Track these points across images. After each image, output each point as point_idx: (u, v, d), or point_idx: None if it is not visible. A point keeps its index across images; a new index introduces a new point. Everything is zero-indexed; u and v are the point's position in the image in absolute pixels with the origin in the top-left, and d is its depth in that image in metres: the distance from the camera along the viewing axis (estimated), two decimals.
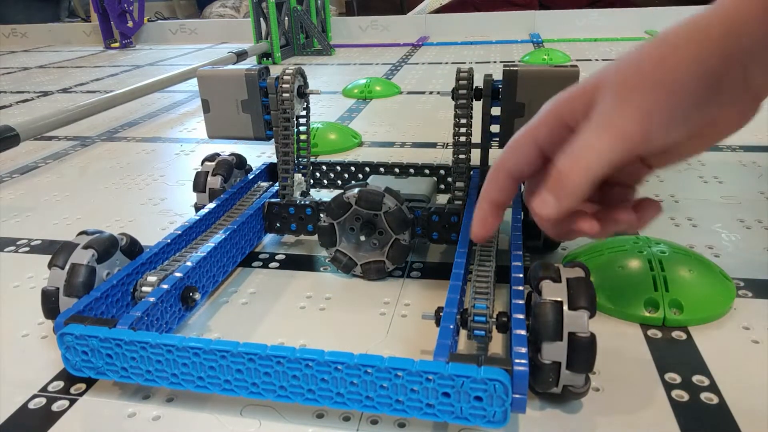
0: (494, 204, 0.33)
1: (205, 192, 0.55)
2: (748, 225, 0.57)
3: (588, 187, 0.28)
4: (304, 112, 0.57)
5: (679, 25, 0.31)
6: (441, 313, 0.35)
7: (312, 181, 0.63)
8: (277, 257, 0.54)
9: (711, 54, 0.28)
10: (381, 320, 0.44)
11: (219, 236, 0.47)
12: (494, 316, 0.36)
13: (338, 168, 0.61)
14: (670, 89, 0.28)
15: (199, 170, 0.56)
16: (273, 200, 0.53)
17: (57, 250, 0.40)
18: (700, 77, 0.28)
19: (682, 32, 0.30)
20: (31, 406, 0.36)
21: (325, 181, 0.62)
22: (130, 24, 2.25)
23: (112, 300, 0.39)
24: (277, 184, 0.56)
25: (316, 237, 0.53)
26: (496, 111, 0.50)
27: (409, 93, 1.22)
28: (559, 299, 0.32)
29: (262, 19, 1.69)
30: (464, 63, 1.57)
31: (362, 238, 0.48)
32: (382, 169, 0.60)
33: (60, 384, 0.38)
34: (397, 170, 0.60)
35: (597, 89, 0.29)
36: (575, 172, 0.28)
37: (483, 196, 0.33)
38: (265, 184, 0.61)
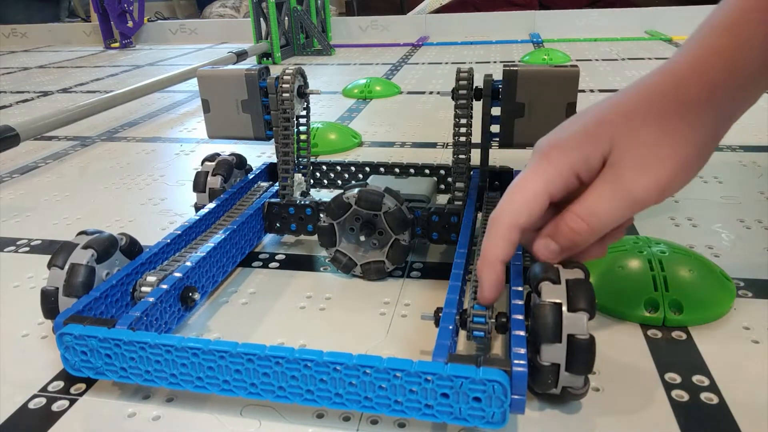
0: (504, 263, 0.33)
1: (205, 192, 0.55)
2: (748, 225, 0.57)
3: (593, 240, 0.31)
4: (304, 112, 0.57)
5: (675, 64, 0.31)
6: (440, 314, 0.35)
7: (312, 181, 0.63)
8: (277, 257, 0.54)
9: (717, 119, 0.30)
10: (381, 320, 0.44)
11: (219, 236, 0.47)
12: (493, 316, 0.36)
13: (338, 168, 0.61)
14: (684, 160, 0.30)
15: (199, 170, 0.56)
16: (273, 200, 0.53)
17: (56, 250, 0.40)
18: (711, 136, 0.30)
19: (685, 78, 0.30)
20: (31, 406, 0.36)
21: (325, 181, 0.62)
22: (130, 24, 2.25)
23: (111, 300, 0.39)
24: (277, 184, 0.56)
25: (316, 237, 0.53)
26: (496, 111, 0.50)
27: (409, 93, 1.22)
28: (558, 301, 0.32)
29: (262, 19, 1.69)
30: (464, 63, 1.57)
31: (362, 238, 0.48)
32: (382, 169, 0.60)
33: (60, 384, 0.38)
34: (397, 170, 0.60)
35: (612, 143, 0.30)
36: (585, 231, 0.30)
37: (494, 257, 0.32)
38: (265, 184, 0.61)
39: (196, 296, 0.42)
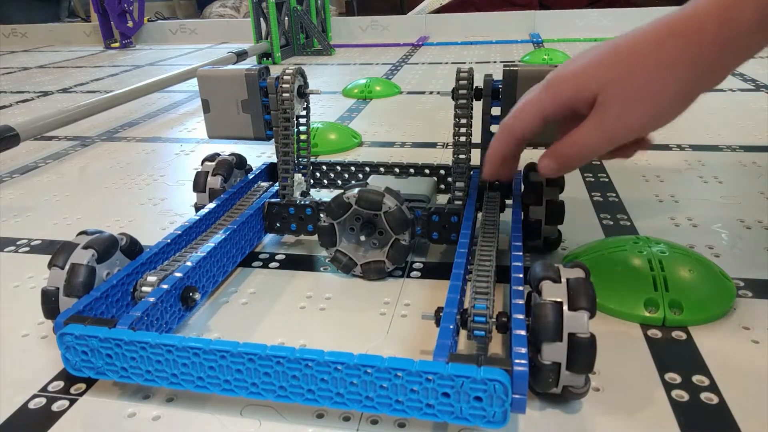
0: (502, 156, 0.40)
1: (205, 192, 0.55)
2: (748, 225, 0.57)
3: (579, 163, 0.38)
4: (304, 112, 0.57)
5: (669, 19, 0.34)
6: (441, 314, 0.35)
7: (312, 181, 0.63)
8: (277, 257, 0.54)
9: (707, 51, 0.33)
10: (381, 320, 0.44)
11: (219, 236, 0.47)
12: (494, 316, 0.36)
13: (338, 168, 0.61)
14: (667, 102, 0.34)
15: (199, 170, 0.56)
16: (273, 200, 0.53)
17: (57, 250, 0.40)
18: (694, 79, 0.34)
19: (676, 28, 0.34)
20: (31, 406, 0.36)
21: (325, 181, 0.62)
22: (130, 24, 2.25)
23: (111, 300, 0.39)
24: (277, 184, 0.56)
25: (316, 237, 0.53)
26: (496, 111, 0.50)
27: (409, 93, 1.22)
28: (559, 300, 0.32)
29: (262, 19, 1.69)
30: (464, 63, 1.57)
31: (362, 238, 0.48)
32: (382, 169, 0.60)
33: (60, 384, 0.38)
34: (397, 170, 0.60)
35: (605, 87, 0.34)
36: (572, 155, 0.37)
37: (492, 150, 0.40)
38: (265, 184, 0.61)
39: (197, 296, 0.42)
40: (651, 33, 0.34)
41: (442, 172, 0.59)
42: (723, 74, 0.35)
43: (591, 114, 0.35)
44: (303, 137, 0.58)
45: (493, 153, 0.40)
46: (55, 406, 0.36)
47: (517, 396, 0.29)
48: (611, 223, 0.59)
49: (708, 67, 0.33)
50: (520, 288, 0.36)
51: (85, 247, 0.40)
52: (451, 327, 0.33)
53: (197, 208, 0.56)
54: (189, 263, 0.42)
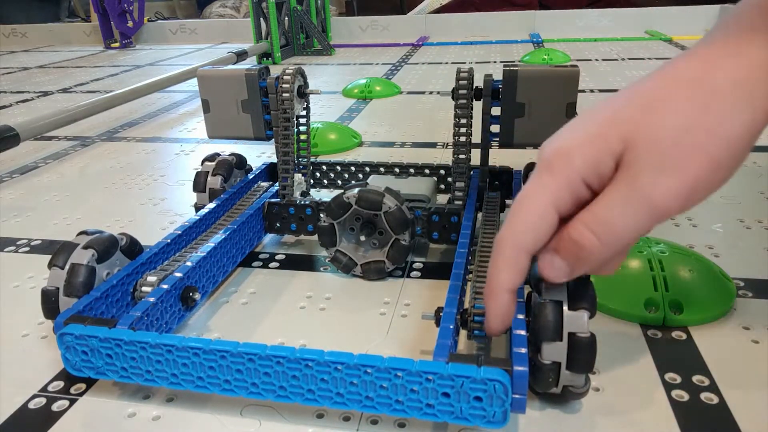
0: (513, 290, 0.29)
1: (205, 192, 0.55)
2: (748, 225, 0.57)
3: (609, 256, 0.26)
4: (304, 112, 0.57)
5: (708, 51, 0.26)
6: (441, 313, 0.35)
7: (312, 181, 0.63)
8: (277, 257, 0.54)
9: (761, 96, 0.24)
10: (381, 320, 0.44)
11: (219, 236, 0.47)
12: None
13: (338, 168, 0.61)
14: (718, 155, 0.24)
15: (199, 170, 0.56)
16: (273, 200, 0.53)
17: (57, 250, 0.40)
18: (749, 130, 0.24)
19: (723, 66, 0.25)
20: (31, 406, 0.36)
21: (325, 181, 0.62)
22: (130, 24, 2.25)
23: (111, 300, 0.39)
24: (277, 184, 0.56)
25: (316, 237, 0.53)
26: (496, 111, 0.50)
27: (409, 93, 1.22)
28: (559, 299, 0.32)
29: (262, 19, 1.69)
30: (464, 63, 1.57)
31: (362, 238, 0.48)
32: (382, 169, 0.60)
33: (60, 384, 0.38)
34: (397, 170, 0.60)
35: (627, 140, 0.25)
36: (594, 244, 0.26)
37: (498, 284, 0.28)
38: (265, 184, 0.61)
39: (197, 296, 0.42)
40: (695, 60, 0.26)
41: (442, 172, 0.59)
42: None
43: (613, 183, 0.25)
44: (303, 137, 0.58)
45: (501, 289, 0.28)
46: (55, 406, 0.36)
47: (517, 396, 0.29)
48: None
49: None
50: (520, 288, 0.36)
51: (85, 247, 0.40)
52: (451, 327, 0.33)
53: (197, 208, 0.56)
54: (189, 263, 0.42)
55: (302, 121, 0.57)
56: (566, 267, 0.27)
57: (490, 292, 0.29)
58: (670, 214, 0.25)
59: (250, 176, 0.59)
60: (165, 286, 0.39)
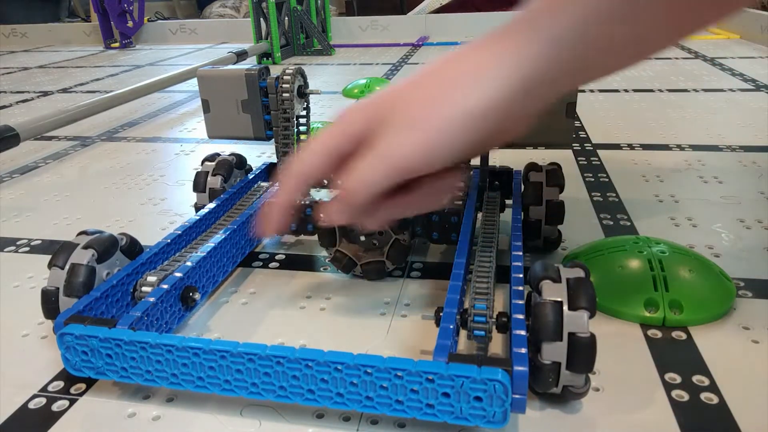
0: (287, 207, 0.35)
1: (205, 192, 0.55)
2: (748, 225, 0.57)
3: (367, 202, 0.32)
4: (304, 112, 0.57)
5: (455, 57, 0.31)
6: (441, 314, 0.35)
7: None
8: (277, 257, 0.54)
9: (492, 87, 0.29)
10: (381, 320, 0.44)
11: (219, 236, 0.47)
12: (494, 316, 0.36)
13: None
14: (453, 116, 0.29)
15: (199, 170, 0.56)
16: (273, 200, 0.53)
17: (57, 250, 0.40)
18: (486, 104, 0.29)
19: (464, 65, 0.31)
20: (31, 406, 0.36)
21: (326, 181, 0.62)
22: (130, 24, 2.25)
23: (112, 300, 0.39)
24: (277, 184, 0.55)
25: (316, 237, 0.53)
26: None
27: None
28: (559, 299, 0.32)
29: (262, 19, 1.69)
30: None
31: (362, 238, 0.48)
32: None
33: (60, 384, 0.38)
34: None
35: (387, 115, 0.31)
36: (356, 191, 0.31)
37: (278, 201, 0.35)
38: (265, 184, 0.61)
39: (197, 296, 0.42)
40: (460, 49, 0.31)
41: None
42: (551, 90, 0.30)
43: (377, 140, 0.31)
44: (303, 137, 0.58)
45: (278, 204, 0.34)
46: (55, 406, 0.36)
47: (517, 396, 0.29)
48: (611, 223, 0.59)
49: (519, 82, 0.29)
50: (520, 288, 0.36)
51: (85, 247, 0.40)
52: (451, 327, 0.33)
53: (197, 208, 0.56)
54: (189, 263, 0.42)
55: (302, 121, 0.57)
56: (340, 211, 0.33)
57: (273, 206, 0.35)
58: (412, 166, 0.30)
59: (250, 176, 0.59)
60: (165, 286, 0.39)
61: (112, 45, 2.25)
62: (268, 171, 0.61)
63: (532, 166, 0.51)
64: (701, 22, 0.29)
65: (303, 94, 0.55)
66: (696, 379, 0.36)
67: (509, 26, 0.30)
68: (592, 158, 0.78)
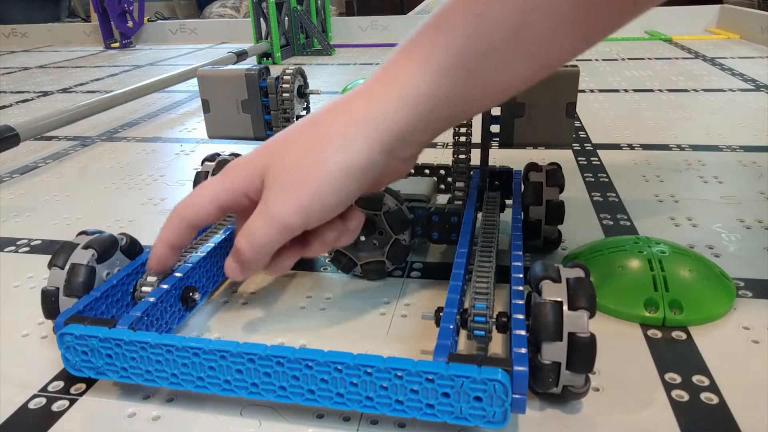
0: (170, 246, 0.36)
1: None
2: (748, 225, 0.57)
3: (263, 259, 0.33)
4: (304, 112, 0.57)
5: (332, 109, 0.33)
6: (441, 314, 0.35)
7: None
8: None
9: (359, 149, 0.31)
10: (381, 320, 0.44)
11: (219, 236, 0.47)
12: (494, 316, 0.36)
13: None
14: (321, 182, 0.31)
15: (199, 170, 0.56)
16: None
17: (57, 250, 0.40)
18: (347, 165, 0.31)
19: (339, 119, 0.32)
20: (31, 406, 0.36)
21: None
22: (130, 24, 2.25)
23: (112, 300, 0.39)
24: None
25: None
26: (496, 111, 0.50)
27: None
28: (558, 299, 0.32)
29: (262, 19, 1.69)
30: None
31: (362, 238, 0.48)
32: None
33: (60, 384, 0.38)
34: None
35: (267, 172, 0.32)
36: (249, 251, 0.33)
37: (160, 238, 0.36)
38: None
39: (197, 296, 0.42)
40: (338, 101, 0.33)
41: (442, 172, 0.59)
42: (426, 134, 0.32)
43: (262, 198, 0.33)
44: None
45: (161, 241, 0.36)
46: (55, 406, 0.36)
47: (517, 396, 0.29)
48: (611, 223, 0.59)
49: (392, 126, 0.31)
50: (520, 288, 0.36)
51: (85, 247, 0.40)
52: (451, 327, 0.33)
53: None
54: (189, 263, 0.42)
55: None
56: (235, 266, 0.34)
57: (156, 243, 0.36)
58: (294, 226, 0.32)
59: None
60: (165, 286, 0.39)
61: (112, 45, 2.25)
62: None
63: (532, 166, 0.51)
64: (592, 40, 0.32)
65: (303, 94, 0.55)
66: (696, 379, 0.36)
67: (396, 57, 0.32)
68: (592, 158, 0.78)
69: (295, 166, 0.31)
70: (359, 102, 0.32)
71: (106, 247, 0.41)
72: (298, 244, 0.35)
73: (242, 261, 0.33)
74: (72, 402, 0.37)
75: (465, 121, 0.50)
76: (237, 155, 0.59)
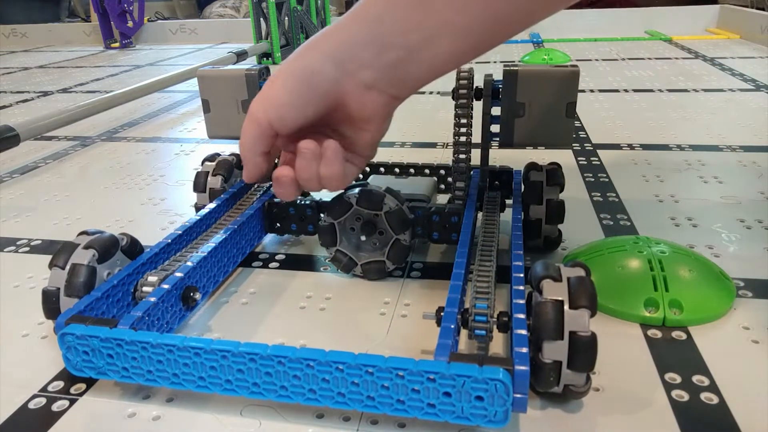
0: (263, 153, 0.39)
1: (205, 192, 0.55)
2: (748, 225, 0.57)
3: (252, 150, 0.38)
4: None
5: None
6: (442, 313, 0.35)
7: None
8: (277, 257, 0.54)
9: (311, 56, 0.36)
10: (381, 320, 0.44)
11: (219, 236, 0.47)
12: (495, 315, 0.36)
13: None
14: (276, 89, 0.36)
15: (200, 170, 0.56)
16: (273, 200, 0.53)
17: (57, 250, 0.40)
18: (297, 76, 0.36)
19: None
20: (31, 406, 0.36)
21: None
22: (130, 24, 2.25)
23: (112, 300, 0.39)
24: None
25: (316, 237, 0.53)
26: (496, 111, 0.50)
27: None
28: (559, 298, 0.32)
29: (262, 19, 1.69)
30: None
31: (363, 238, 0.48)
32: (382, 169, 0.60)
33: (60, 384, 0.38)
34: (397, 170, 0.60)
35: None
36: (242, 151, 0.39)
37: (245, 147, 0.39)
38: (265, 185, 0.60)
39: (198, 296, 0.42)
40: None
41: (442, 172, 0.59)
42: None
43: None
44: None
45: (248, 152, 0.39)
46: (55, 406, 0.36)
47: (518, 395, 0.30)
48: (611, 223, 0.59)
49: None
50: (521, 287, 0.36)
51: (86, 247, 0.40)
52: (452, 326, 0.33)
53: (197, 208, 0.56)
54: (190, 263, 0.42)
55: None
56: (245, 174, 0.40)
57: (243, 155, 0.39)
58: (261, 120, 0.37)
59: None
60: (166, 286, 0.39)
61: (112, 45, 2.24)
62: None
63: (532, 166, 0.51)
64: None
65: None
66: (696, 379, 0.36)
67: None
68: (592, 158, 0.78)
69: (261, 95, 0.37)
70: (330, 26, 0.37)
71: (106, 247, 0.41)
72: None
73: (245, 166, 0.39)
74: (72, 402, 0.37)
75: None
76: (237, 155, 0.59)
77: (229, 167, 0.57)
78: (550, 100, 0.48)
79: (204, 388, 0.34)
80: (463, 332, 0.37)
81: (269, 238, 0.58)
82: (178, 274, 0.41)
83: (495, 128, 0.50)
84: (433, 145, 0.87)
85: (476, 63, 1.56)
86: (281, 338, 0.42)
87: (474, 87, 0.49)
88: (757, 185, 0.67)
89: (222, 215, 0.53)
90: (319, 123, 0.38)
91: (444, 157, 0.81)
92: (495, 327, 0.36)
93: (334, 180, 0.38)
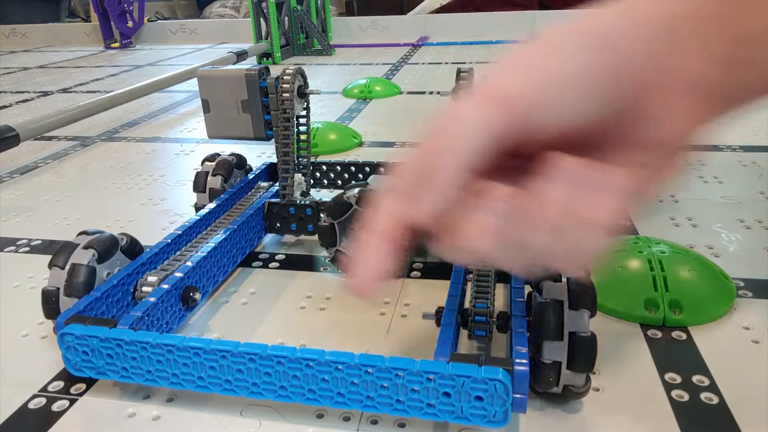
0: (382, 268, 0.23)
1: (205, 192, 0.55)
2: (748, 225, 0.57)
3: (455, 163, 0.21)
4: (304, 112, 0.57)
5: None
6: (441, 313, 0.35)
7: (312, 181, 0.62)
8: (277, 257, 0.54)
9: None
10: (381, 320, 0.44)
11: (219, 236, 0.47)
12: (495, 315, 0.36)
13: (338, 168, 0.61)
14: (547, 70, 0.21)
15: (199, 170, 0.56)
16: (273, 200, 0.53)
17: (57, 250, 0.40)
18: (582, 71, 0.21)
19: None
20: (31, 406, 0.36)
21: (325, 181, 0.62)
22: (130, 24, 2.25)
23: (112, 300, 0.39)
24: (277, 184, 0.56)
25: (316, 237, 0.53)
26: None
27: (409, 93, 1.22)
28: (560, 299, 0.32)
29: (262, 19, 1.69)
30: (464, 63, 1.57)
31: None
32: (382, 169, 0.60)
33: (60, 384, 0.38)
34: None
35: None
36: (430, 152, 0.23)
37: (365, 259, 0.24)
38: (265, 184, 0.61)
39: (197, 296, 0.42)
40: None
41: None
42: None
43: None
44: (303, 137, 0.58)
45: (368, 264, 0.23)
46: (55, 406, 0.36)
47: (517, 395, 0.29)
48: None
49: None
50: (521, 287, 0.36)
51: (86, 247, 0.40)
52: (452, 327, 0.33)
53: (197, 208, 0.56)
54: (189, 263, 0.42)
55: (302, 121, 0.57)
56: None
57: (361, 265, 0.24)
58: (520, 103, 0.21)
59: (250, 176, 0.59)
60: (165, 286, 0.39)
61: (112, 45, 2.24)
62: (268, 171, 0.61)
63: None
64: None
65: (303, 94, 0.55)
66: (696, 379, 0.36)
67: None
68: None
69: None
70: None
71: (106, 247, 0.41)
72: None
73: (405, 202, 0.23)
74: (72, 402, 0.37)
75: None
76: (237, 155, 0.59)
77: (229, 167, 0.57)
78: None
79: (204, 388, 0.34)
80: (463, 332, 0.37)
81: (269, 238, 0.58)
82: (178, 274, 0.41)
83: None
84: None
85: (476, 63, 1.56)
86: (281, 338, 0.42)
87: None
88: (757, 185, 0.67)
89: (222, 215, 0.53)
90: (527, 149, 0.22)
91: None
92: (495, 327, 0.36)
93: (598, 229, 0.20)
